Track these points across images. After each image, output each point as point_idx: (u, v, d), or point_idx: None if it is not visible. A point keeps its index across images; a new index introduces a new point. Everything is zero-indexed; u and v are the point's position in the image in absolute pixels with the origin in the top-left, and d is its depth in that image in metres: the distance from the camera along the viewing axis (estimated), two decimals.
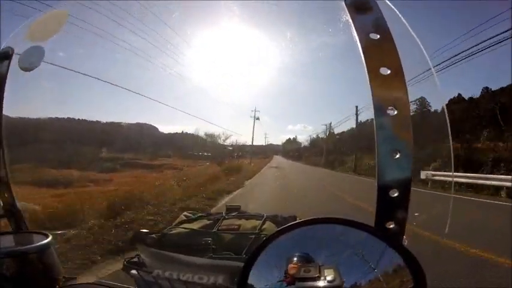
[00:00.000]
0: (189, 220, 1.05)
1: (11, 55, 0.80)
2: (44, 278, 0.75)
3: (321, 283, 0.45)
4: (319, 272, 0.46)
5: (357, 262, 0.46)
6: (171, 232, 0.96)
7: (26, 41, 0.80)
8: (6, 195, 0.85)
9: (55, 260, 0.79)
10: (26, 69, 0.78)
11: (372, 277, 0.45)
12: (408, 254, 0.45)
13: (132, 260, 0.92)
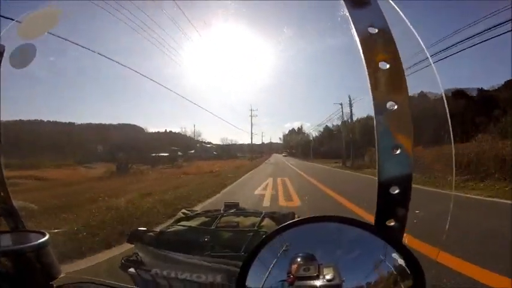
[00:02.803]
0: (187, 217, 1.05)
1: (2, 53, 0.79)
2: (41, 277, 0.75)
3: (320, 282, 0.45)
4: (319, 271, 0.45)
5: (356, 260, 0.46)
6: (169, 230, 0.96)
7: (17, 38, 0.79)
8: (2, 194, 0.85)
9: (52, 259, 0.78)
10: (17, 66, 0.78)
11: (371, 275, 0.44)
12: (408, 252, 0.44)
13: (130, 258, 0.92)
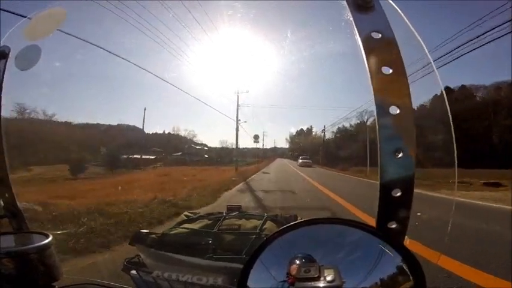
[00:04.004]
0: (189, 220, 1.05)
1: (8, 54, 0.80)
2: (43, 278, 0.75)
3: (321, 283, 0.45)
4: (320, 272, 0.46)
5: (357, 262, 0.46)
6: (172, 232, 0.96)
7: (23, 39, 0.80)
8: (6, 195, 0.85)
9: (55, 260, 0.78)
10: (23, 68, 0.78)
11: (373, 277, 0.45)
12: (409, 254, 0.45)
13: (132, 260, 0.92)
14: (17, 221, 0.86)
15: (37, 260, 0.74)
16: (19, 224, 0.87)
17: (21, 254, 0.73)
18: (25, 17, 0.85)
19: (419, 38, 0.50)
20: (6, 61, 0.80)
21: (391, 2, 0.49)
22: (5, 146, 0.85)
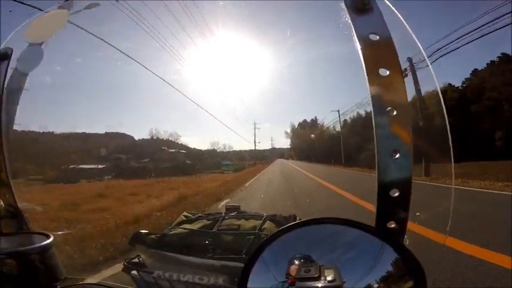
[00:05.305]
0: (188, 220, 1.05)
1: (10, 55, 0.80)
2: (45, 279, 0.75)
3: (321, 283, 0.45)
4: (320, 272, 0.46)
5: (357, 262, 0.46)
6: (171, 232, 0.96)
7: (25, 41, 0.80)
8: (7, 196, 0.86)
9: (56, 261, 0.79)
10: (25, 69, 0.79)
11: (372, 277, 0.45)
12: (409, 253, 0.45)
13: (132, 260, 0.92)
14: (17, 221, 0.87)
15: (38, 261, 0.74)
16: (20, 224, 0.87)
17: (22, 255, 0.73)
18: (40, 9, 0.85)
19: (416, 40, 0.50)
20: (9, 62, 0.80)
21: (389, 4, 0.49)
22: (5, 147, 0.85)
